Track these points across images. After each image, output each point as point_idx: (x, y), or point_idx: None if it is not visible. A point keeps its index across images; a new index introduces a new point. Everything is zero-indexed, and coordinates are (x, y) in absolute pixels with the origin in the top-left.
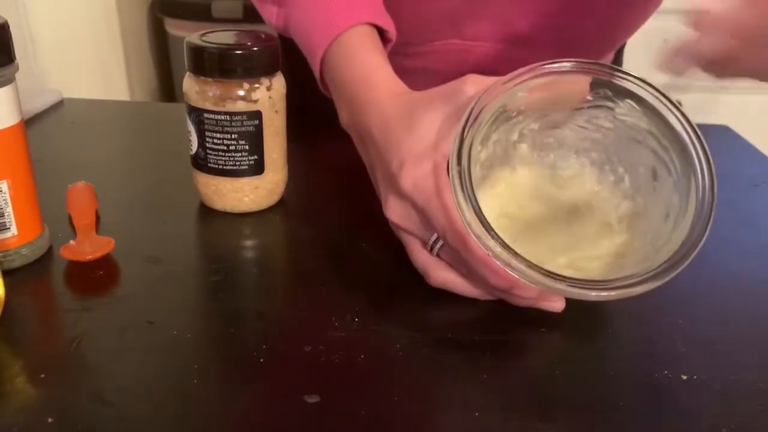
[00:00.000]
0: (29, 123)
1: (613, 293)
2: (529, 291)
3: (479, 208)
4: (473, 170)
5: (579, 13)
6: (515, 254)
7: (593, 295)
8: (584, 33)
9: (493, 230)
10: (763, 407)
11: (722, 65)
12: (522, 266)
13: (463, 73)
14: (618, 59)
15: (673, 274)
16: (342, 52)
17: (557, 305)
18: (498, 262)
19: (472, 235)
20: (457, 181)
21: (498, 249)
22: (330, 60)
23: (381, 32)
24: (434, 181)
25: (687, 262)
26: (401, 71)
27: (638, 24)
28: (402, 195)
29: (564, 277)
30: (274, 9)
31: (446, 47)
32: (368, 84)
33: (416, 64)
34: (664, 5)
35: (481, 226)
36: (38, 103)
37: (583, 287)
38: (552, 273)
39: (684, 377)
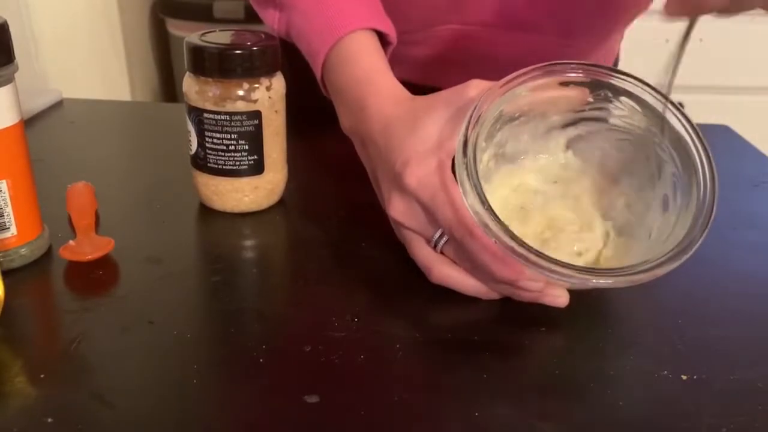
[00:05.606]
0: (29, 123)
1: (611, 280)
2: (534, 283)
3: (485, 196)
4: (478, 164)
5: None
6: (521, 241)
7: (599, 282)
8: (584, 14)
9: (498, 218)
10: (763, 407)
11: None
12: (527, 253)
13: (464, 60)
14: (614, 60)
15: (675, 265)
16: (342, 57)
17: (561, 300)
18: (504, 250)
19: (479, 224)
20: (463, 173)
21: (504, 236)
22: (331, 65)
23: (381, 37)
24: (439, 177)
25: (689, 254)
26: (402, 61)
27: (638, 5)
28: (406, 192)
29: (569, 263)
30: (275, 14)
31: (447, 33)
32: (369, 89)
33: (417, 53)
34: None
35: (488, 214)
36: (38, 103)
37: (589, 273)
38: (557, 260)
39: (684, 377)
